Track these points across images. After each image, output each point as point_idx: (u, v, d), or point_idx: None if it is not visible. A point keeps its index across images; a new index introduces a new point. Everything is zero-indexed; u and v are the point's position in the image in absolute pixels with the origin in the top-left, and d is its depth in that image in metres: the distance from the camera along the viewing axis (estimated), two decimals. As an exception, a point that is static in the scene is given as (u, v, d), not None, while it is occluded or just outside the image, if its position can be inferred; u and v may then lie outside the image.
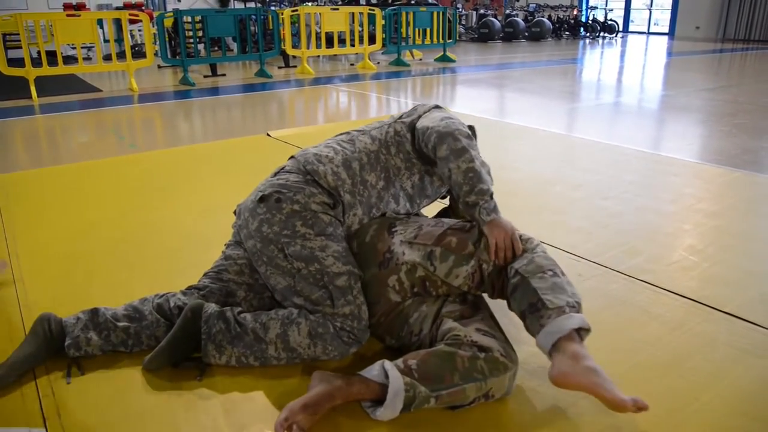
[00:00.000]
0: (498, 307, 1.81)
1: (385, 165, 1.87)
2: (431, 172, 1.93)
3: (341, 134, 1.98)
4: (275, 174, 1.85)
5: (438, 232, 1.71)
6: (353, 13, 10.05)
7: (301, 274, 1.67)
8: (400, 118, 1.97)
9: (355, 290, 1.67)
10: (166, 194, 3.30)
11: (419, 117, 1.92)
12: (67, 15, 7.51)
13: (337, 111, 6.48)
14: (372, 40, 10.31)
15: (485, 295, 1.76)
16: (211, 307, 1.68)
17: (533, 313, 1.54)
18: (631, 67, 10.84)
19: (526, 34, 16.63)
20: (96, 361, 1.71)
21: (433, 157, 1.79)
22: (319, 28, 9.55)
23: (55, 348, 1.68)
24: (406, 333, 1.69)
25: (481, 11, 17.73)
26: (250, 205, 1.79)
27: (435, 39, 10.91)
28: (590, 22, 18.47)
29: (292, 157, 1.92)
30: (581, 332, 1.51)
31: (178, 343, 1.64)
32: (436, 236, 1.70)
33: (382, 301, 1.70)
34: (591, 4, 20.32)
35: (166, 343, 1.64)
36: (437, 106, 1.97)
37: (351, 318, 1.64)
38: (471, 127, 1.94)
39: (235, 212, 1.93)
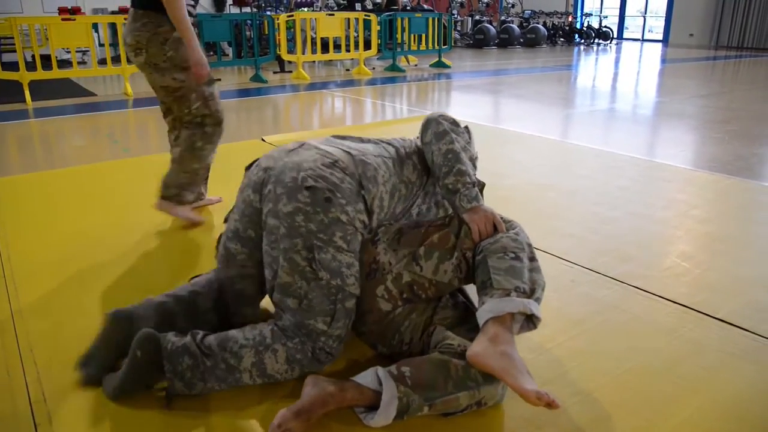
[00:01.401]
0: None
1: (414, 197, 1.85)
2: (440, 204, 1.95)
3: (388, 146, 1.86)
4: (331, 163, 1.65)
5: (419, 233, 1.70)
6: (349, 19, 10.08)
7: (320, 283, 1.56)
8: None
9: (353, 316, 1.65)
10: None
11: None
12: (62, 19, 7.51)
13: (333, 116, 6.48)
14: (367, 45, 10.33)
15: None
16: (170, 341, 1.53)
17: (481, 290, 1.59)
18: (626, 73, 10.89)
19: (521, 40, 16.69)
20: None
21: (422, 146, 1.84)
22: (315, 33, 9.57)
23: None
24: (397, 342, 1.69)
25: (477, 17, 17.79)
26: (289, 182, 1.61)
27: (430, 45, 10.94)
28: (585, 28, 18.55)
29: (343, 141, 1.81)
30: (534, 319, 1.56)
31: (136, 376, 1.54)
32: (419, 235, 1.69)
33: (374, 311, 1.68)
34: (586, 11, 20.41)
35: (123, 375, 1.54)
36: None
37: (335, 339, 1.60)
38: (466, 128, 1.96)
39: (253, 165, 1.78)
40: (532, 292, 1.57)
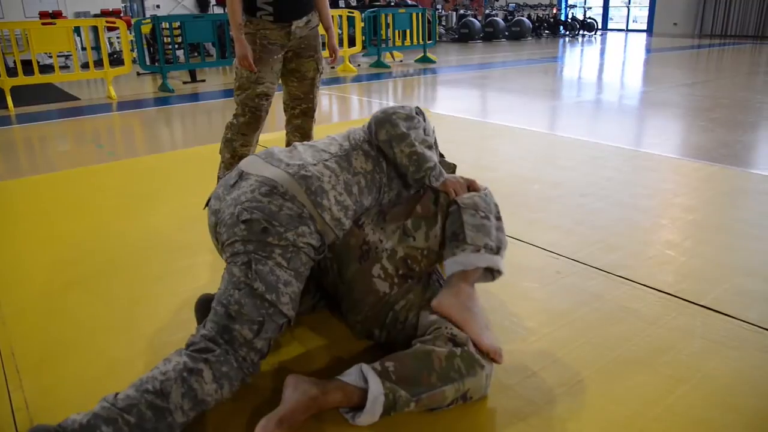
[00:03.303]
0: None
1: (378, 185, 1.83)
2: (408, 186, 1.92)
3: (332, 141, 1.86)
4: (268, 191, 1.61)
5: (401, 207, 1.78)
6: (332, 16, 10.03)
7: (255, 292, 1.50)
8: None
9: (278, 334, 1.55)
10: (146, 202, 3.27)
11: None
12: (43, 23, 7.44)
13: (319, 114, 6.42)
14: (352, 42, 10.31)
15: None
16: (72, 420, 1.29)
17: (452, 241, 1.69)
18: (611, 64, 10.93)
19: (506, 33, 16.72)
20: (68, 360, 1.69)
21: (376, 142, 1.85)
22: (299, 31, 9.51)
23: None
24: (392, 320, 1.69)
25: (461, 12, 17.79)
26: (228, 219, 1.61)
27: (415, 40, 10.93)
28: (569, 20, 18.60)
29: (290, 152, 1.78)
30: (494, 273, 1.72)
31: None
32: (401, 210, 1.76)
33: (371, 295, 1.69)
34: (570, 2, 20.47)
35: None
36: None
37: (257, 353, 1.49)
38: (417, 109, 1.95)
39: (208, 204, 1.77)
40: (498, 249, 1.70)
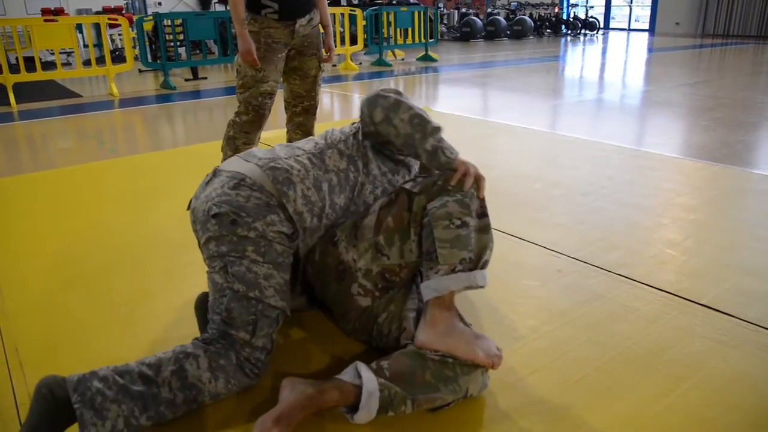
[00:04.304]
0: (467, 302, 1.82)
1: (353, 184, 1.78)
2: (393, 182, 1.87)
3: (309, 140, 1.86)
4: (236, 185, 1.63)
5: (373, 220, 1.66)
6: (334, 14, 10.03)
7: (237, 295, 1.53)
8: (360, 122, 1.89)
9: (276, 326, 1.59)
10: (147, 199, 3.28)
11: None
12: (45, 20, 7.45)
13: (320, 112, 6.43)
14: (353, 40, 10.31)
15: None
16: (76, 375, 1.38)
17: (426, 260, 1.59)
18: (613, 63, 10.92)
19: (508, 32, 16.70)
20: (70, 356, 1.70)
21: (374, 128, 1.75)
22: (301, 29, 9.51)
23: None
24: (377, 333, 1.70)
25: (463, 10, 17.78)
26: (201, 216, 1.63)
27: (417, 38, 10.93)
28: (571, 19, 18.58)
29: (252, 157, 1.74)
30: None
31: (40, 419, 1.30)
32: (373, 226, 1.65)
33: (354, 309, 1.69)
34: (572, 1, 20.44)
35: (25, 422, 1.31)
36: (398, 92, 1.86)
37: (260, 350, 1.54)
38: (397, 91, 1.85)
39: (189, 207, 1.76)
40: (478, 259, 1.58)
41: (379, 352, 1.70)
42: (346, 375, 1.48)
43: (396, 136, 1.71)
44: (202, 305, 1.75)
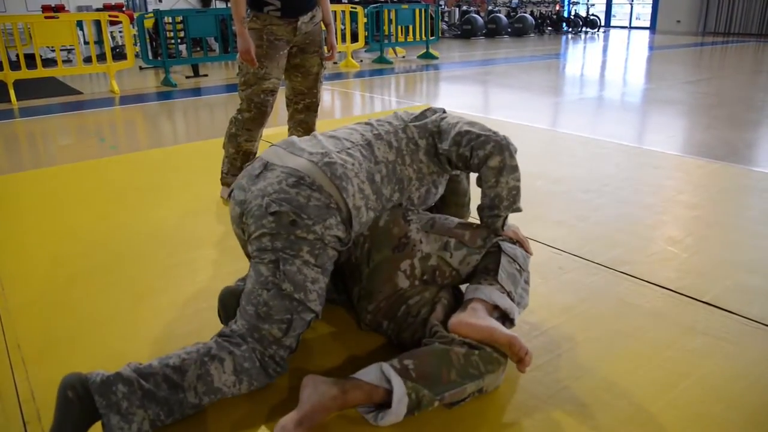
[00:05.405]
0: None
1: (400, 176, 1.80)
2: (437, 183, 1.92)
3: (353, 131, 1.84)
4: (295, 182, 1.60)
5: (451, 225, 1.79)
6: (335, 12, 10.02)
7: (282, 293, 1.52)
8: (411, 121, 1.91)
9: (306, 329, 1.59)
10: (149, 196, 3.28)
11: (436, 122, 1.90)
12: (46, 17, 7.43)
13: (321, 109, 6.43)
14: (354, 38, 10.29)
15: None
16: (98, 374, 1.36)
17: (482, 273, 1.70)
18: (614, 61, 10.91)
19: (509, 30, 16.67)
20: (74, 352, 1.70)
21: (474, 161, 1.80)
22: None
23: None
24: (403, 313, 1.70)
25: (464, 8, 17.75)
26: (256, 211, 1.60)
27: (418, 36, 10.91)
28: (572, 17, 18.56)
29: (311, 141, 1.76)
30: (506, 322, 1.64)
31: (64, 423, 1.31)
32: (451, 228, 1.77)
33: (388, 286, 1.70)
34: (573, -1, 20.43)
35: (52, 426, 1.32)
36: (444, 111, 1.98)
37: (286, 349, 1.54)
38: (443, 110, 1.98)
39: (230, 195, 1.74)
40: (517, 304, 1.69)
41: (393, 345, 1.71)
42: (369, 375, 1.43)
43: (485, 181, 1.80)
44: (226, 299, 1.74)
